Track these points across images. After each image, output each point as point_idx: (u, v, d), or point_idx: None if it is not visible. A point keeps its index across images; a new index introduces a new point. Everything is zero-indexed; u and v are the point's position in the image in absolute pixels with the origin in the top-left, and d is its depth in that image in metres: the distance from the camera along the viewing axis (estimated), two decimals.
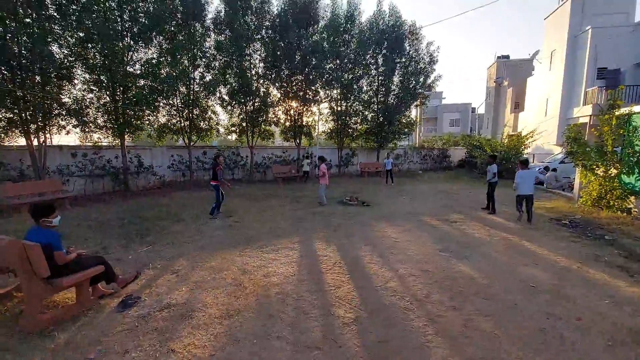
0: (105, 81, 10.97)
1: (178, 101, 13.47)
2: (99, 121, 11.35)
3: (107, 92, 11.19)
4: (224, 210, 8.62)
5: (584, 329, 3.20)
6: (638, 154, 7.85)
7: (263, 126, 16.31)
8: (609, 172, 8.50)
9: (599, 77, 16.85)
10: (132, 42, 11.55)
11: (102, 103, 11.26)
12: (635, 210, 8.01)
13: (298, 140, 17.49)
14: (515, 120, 26.31)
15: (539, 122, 20.57)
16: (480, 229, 7.04)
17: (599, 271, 4.69)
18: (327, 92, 17.90)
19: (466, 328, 3.21)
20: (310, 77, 16.32)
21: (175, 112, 13.67)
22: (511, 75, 29.46)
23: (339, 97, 18.13)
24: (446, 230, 6.96)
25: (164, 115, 13.70)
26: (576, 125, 11.01)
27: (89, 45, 10.33)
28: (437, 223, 7.62)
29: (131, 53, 11.68)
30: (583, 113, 16.25)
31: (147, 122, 12.95)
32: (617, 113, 8.47)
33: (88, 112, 10.98)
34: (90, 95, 11.08)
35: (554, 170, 13.79)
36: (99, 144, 11.78)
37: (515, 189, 7.69)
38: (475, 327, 3.22)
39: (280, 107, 16.92)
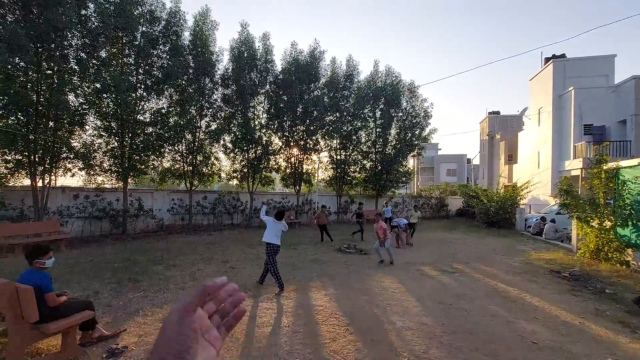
0: (115, 128, 11.57)
1: (183, 147, 14.00)
2: (105, 165, 11.71)
3: (116, 138, 11.75)
4: (213, 256, 8.52)
5: None
6: (629, 207, 7.96)
7: (264, 172, 16.68)
8: (604, 225, 8.56)
9: (586, 133, 17.66)
10: (144, 93, 12.37)
11: (109, 148, 11.73)
12: (634, 263, 7.94)
13: (298, 187, 17.78)
14: (509, 172, 26.92)
15: (533, 173, 21.06)
16: (479, 281, 6.91)
17: (600, 326, 4.55)
18: (327, 142, 18.63)
19: None
20: (311, 127, 17.12)
21: (179, 158, 14.13)
22: (502, 129, 30.84)
23: (338, 146, 18.85)
24: (445, 281, 6.83)
25: (168, 161, 14.15)
26: (567, 178, 11.33)
27: (104, 95, 10.97)
28: (436, 273, 7.49)
29: (143, 103, 12.43)
30: (574, 166, 16.78)
31: (152, 166, 13.34)
32: (605, 167, 8.77)
33: (95, 156, 11.38)
34: (100, 140, 11.59)
35: (552, 221, 13.78)
36: (102, 186, 11.99)
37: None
38: None
39: (281, 155, 17.47)
